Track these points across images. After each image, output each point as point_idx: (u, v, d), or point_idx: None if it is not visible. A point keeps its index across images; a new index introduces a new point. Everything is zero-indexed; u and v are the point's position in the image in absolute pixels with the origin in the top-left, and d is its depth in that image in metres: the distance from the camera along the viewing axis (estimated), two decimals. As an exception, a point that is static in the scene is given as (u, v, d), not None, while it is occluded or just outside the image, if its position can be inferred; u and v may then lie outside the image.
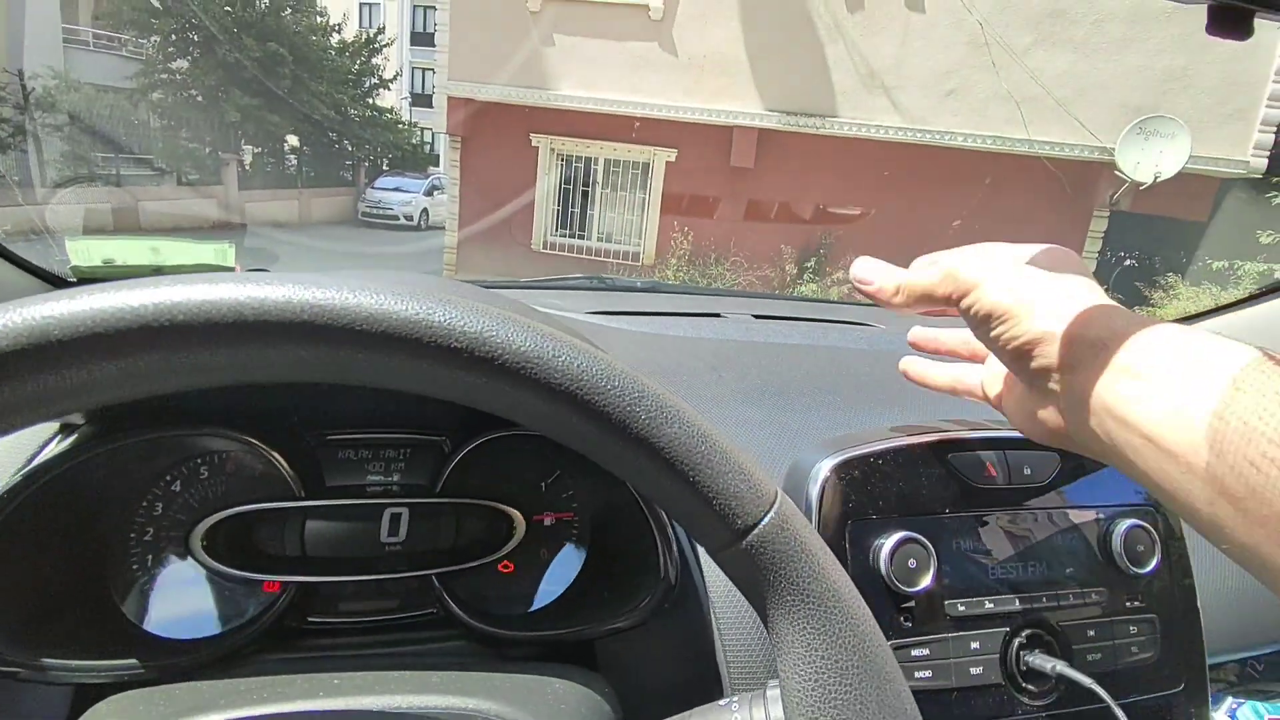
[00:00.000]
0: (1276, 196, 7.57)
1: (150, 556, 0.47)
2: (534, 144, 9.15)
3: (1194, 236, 8.17)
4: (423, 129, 18.58)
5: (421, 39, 20.18)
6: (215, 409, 0.47)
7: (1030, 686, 0.46)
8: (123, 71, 13.79)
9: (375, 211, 14.78)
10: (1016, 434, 0.50)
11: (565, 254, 9.34)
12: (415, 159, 18.51)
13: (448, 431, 0.52)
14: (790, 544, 0.27)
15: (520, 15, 8.42)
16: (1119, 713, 0.42)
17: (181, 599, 0.47)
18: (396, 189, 15.34)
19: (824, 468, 0.45)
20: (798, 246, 8.64)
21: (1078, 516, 0.50)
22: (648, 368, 0.61)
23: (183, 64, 14.21)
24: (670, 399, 0.27)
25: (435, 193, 14.40)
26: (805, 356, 0.78)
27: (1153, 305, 7.47)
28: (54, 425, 0.47)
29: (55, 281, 0.68)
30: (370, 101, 17.35)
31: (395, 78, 18.70)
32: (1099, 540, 0.49)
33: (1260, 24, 0.29)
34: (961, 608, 0.46)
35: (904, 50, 7.84)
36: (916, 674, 0.44)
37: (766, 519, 0.27)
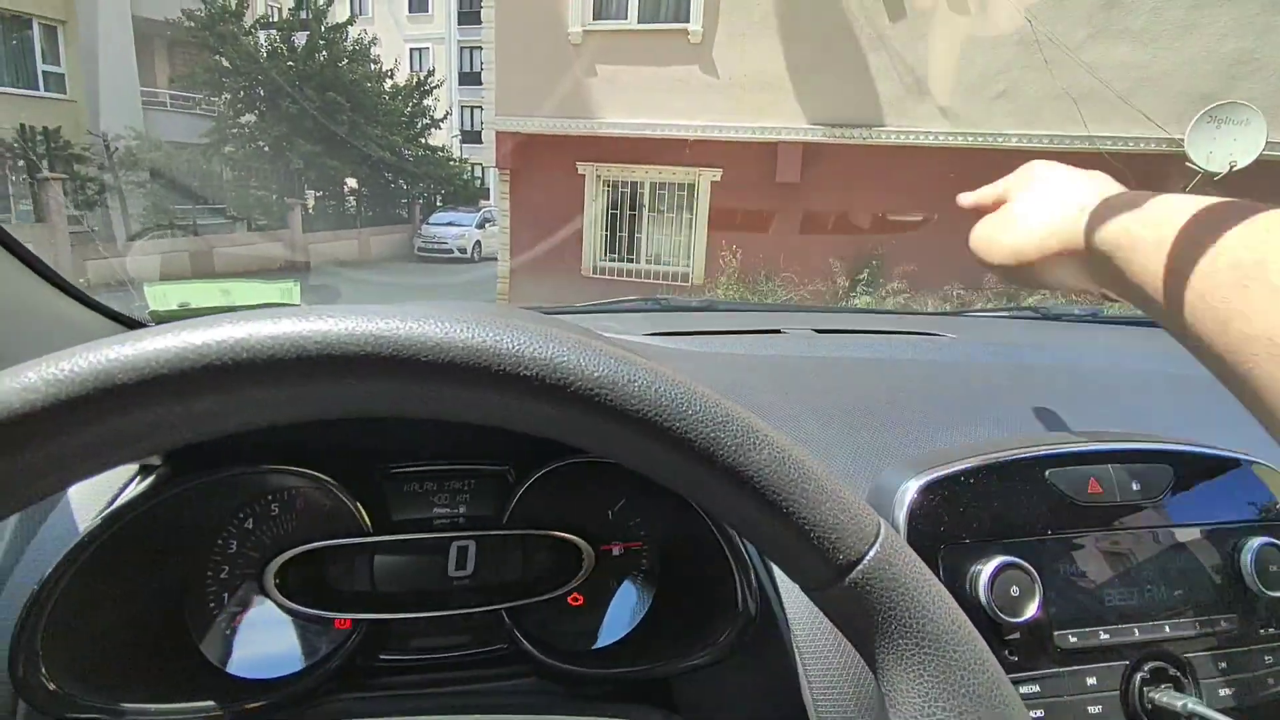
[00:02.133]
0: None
1: (226, 595, 0.47)
2: (580, 172, 9.31)
3: None
4: (473, 164, 19.17)
5: (469, 78, 20.93)
6: (283, 445, 0.47)
7: None
8: (197, 128, 14.77)
9: (431, 246, 15.29)
10: (1122, 446, 0.46)
11: (615, 278, 9.42)
12: (467, 193, 19.10)
13: (512, 460, 0.51)
14: (899, 580, 0.24)
15: (562, 49, 8.63)
16: None
17: (256, 638, 0.47)
18: (450, 223, 15.86)
19: (910, 489, 0.42)
20: (849, 259, 8.49)
21: (1199, 534, 0.45)
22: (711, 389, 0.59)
23: (250, 118, 15.10)
24: (759, 424, 0.25)
25: (487, 225, 14.82)
26: (875, 371, 0.74)
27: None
28: (133, 467, 0.48)
29: (135, 326, 0.71)
30: (423, 141, 18.03)
31: (445, 117, 19.39)
32: (1226, 560, 0.44)
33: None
34: (1073, 639, 0.42)
35: (950, 54, 7.69)
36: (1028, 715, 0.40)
37: (871, 553, 0.24)
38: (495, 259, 10.42)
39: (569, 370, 0.24)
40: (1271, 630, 0.44)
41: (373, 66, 16.95)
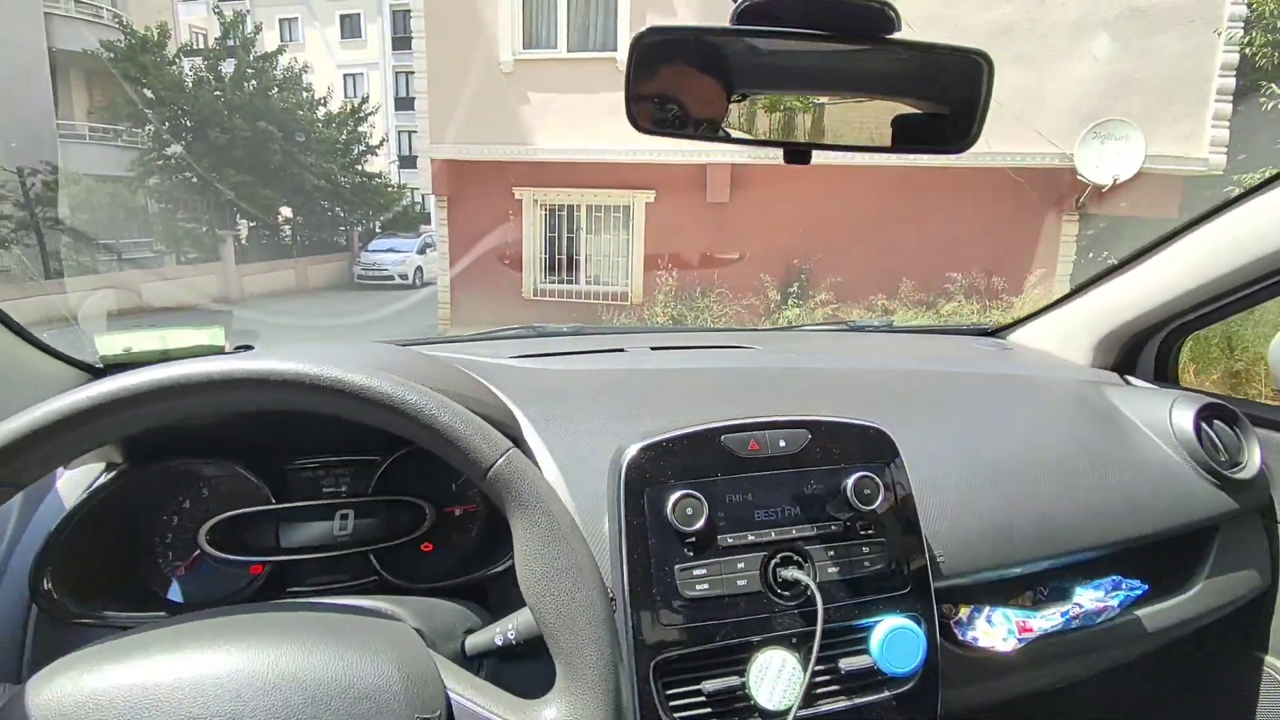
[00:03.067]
0: (1235, 190, 7.77)
1: (171, 552, 0.67)
2: (517, 196, 9.49)
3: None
4: (412, 190, 19.10)
5: (405, 103, 20.85)
6: (214, 445, 0.67)
7: (784, 591, 0.65)
8: (119, 161, 14.34)
9: (370, 273, 15.18)
10: (776, 419, 0.70)
11: (556, 299, 9.58)
12: (407, 220, 19.01)
13: (380, 452, 0.72)
14: (522, 482, 0.46)
15: (494, 76, 8.82)
16: (818, 598, 0.61)
17: (195, 579, 0.68)
18: (390, 249, 15.77)
19: (630, 452, 0.65)
20: (779, 274, 8.87)
21: (821, 473, 0.68)
22: (532, 397, 0.81)
23: (177, 148, 14.77)
24: (422, 390, 0.46)
25: (428, 250, 14.78)
26: (682, 378, 0.98)
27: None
28: (103, 465, 0.67)
29: (86, 368, 0.89)
30: (359, 168, 17.90)
31: (382, 143, 19.30)
32: (836, 488, 0.68)
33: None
34: (730, 540, 0.64)
35: (862, 79, 8.16)
36: (697, 586, 0.62)
37: (500, 461, 0.46)
38: (435, 284, 10.46)
39: (326, 378, 0.45)
40: (868, 531, 0.68)
41: (305, 94, 16.82)
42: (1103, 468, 0.91)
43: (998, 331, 1.33)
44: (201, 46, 15.68)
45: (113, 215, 13.13)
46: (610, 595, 0.51)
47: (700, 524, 0.63)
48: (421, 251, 15.42)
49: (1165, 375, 1.15)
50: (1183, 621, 0.89)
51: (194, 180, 14.63)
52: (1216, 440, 0.95)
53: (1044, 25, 7.86)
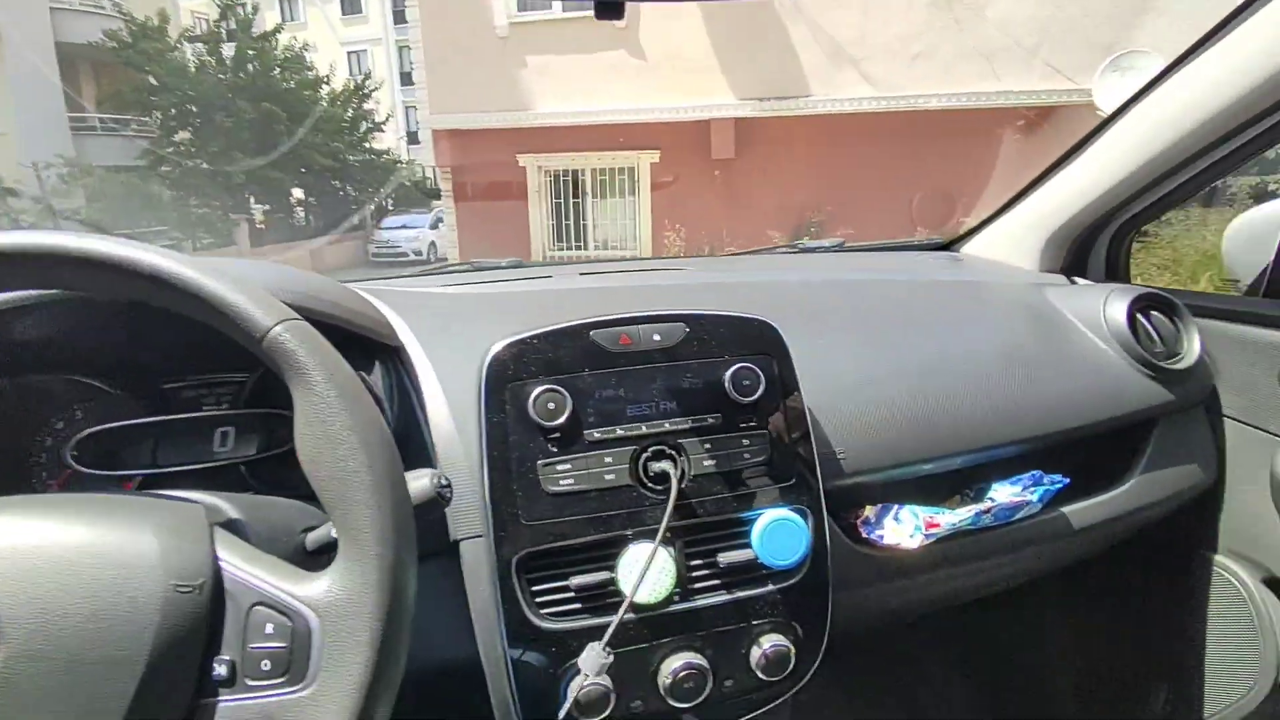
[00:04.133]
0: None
1: (46, 472, 0.67)
2: (521, 164, 9.42)
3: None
4: (422, 166, 19.04)
5: (410, 78, 20.71)
6: (88, 366, 0.67)
7: (657, 485, 0.63)
8: (132, 151, 14.48)
9: (385, 251, 15.22)
10: (650, 313, 0.67)
11: (566, 265, 9.56)
12: (418, 195, 18.98)
13: (257, 369, 0.71)
14: (301, 349, 0.44)
15: (489, 43, 8.70)
16: (673, 488, 0.59)
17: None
18: (403, 226, 15.78)
19: (493, 349, 0.63)
20: (788, 228, 8.73)
21: (698, 366, 0.65)
22: (425, 313, 0.79)
23: (185, 135, 14.85)
24: (192, 260, 0.44)
25: (440, 225, 14.80)
26: (595, 294, 0.96)
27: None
28: None
29: None
30: (367, 146, 17.87)
31: (388, 119, 19.22)
32: (714, 380, 0.65)
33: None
34: (597, 435, 0.62)
35: (866, 20, 7.92)
36: (561, 482, 0.61)
37: (277, 328, 0.44)
38: (447, 259, 10.48)
39: (118, 255, 0.43)
40: (750, 423, 0.66)
41: (308, 73, 16.75)
42: (1031, 366, 0.87)
43: (951, 244, 1.27)
44: (202, 31, 15.60)
45: (127, 205, 13.29)
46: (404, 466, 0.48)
47: (563, 419, 0.61)
48: (434, 226, 15.40)
49: (1117, 275, 1.09)
50: (1115, 518, 0.86)
51: (204, 166, 14.73)
52: (1153, 331, 0.91)
53: (1056, -51, 7.51)
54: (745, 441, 0.65)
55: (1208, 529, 0.96)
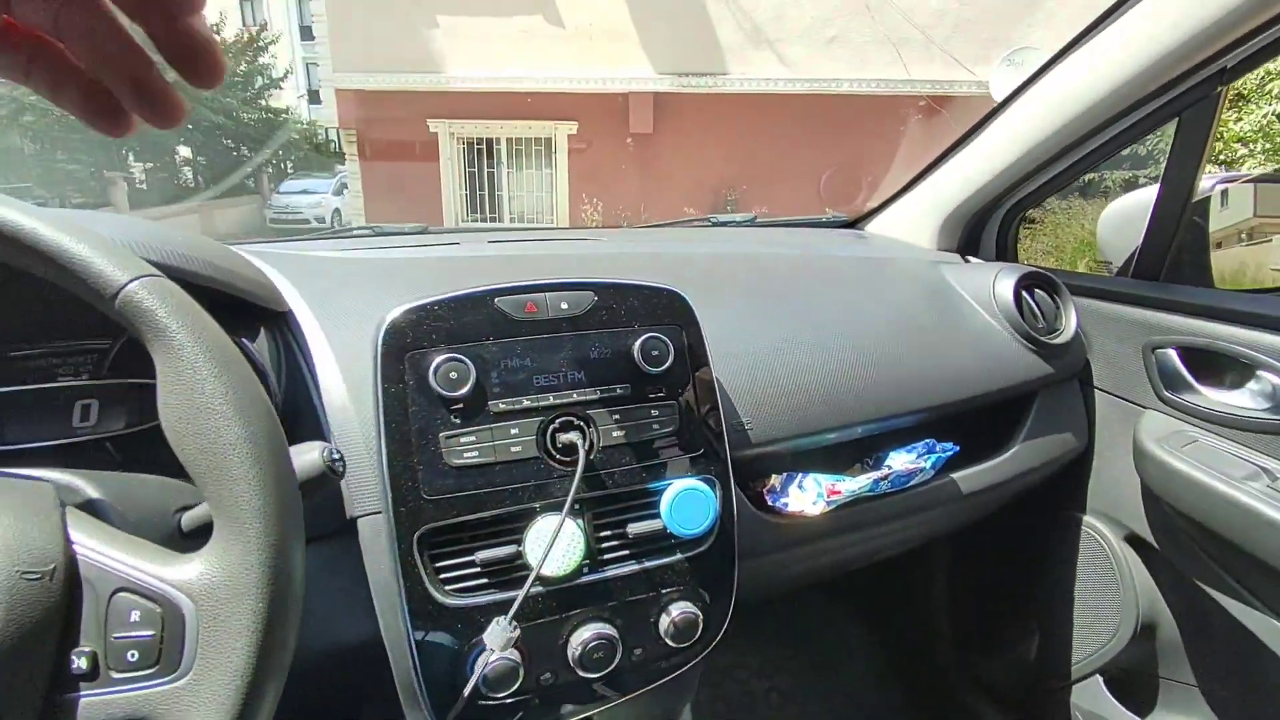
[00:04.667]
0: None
1: None
2: (432, 130, 9.03)
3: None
4: (325, 128, 17.92)
5: (310, 33, 19.39)
6: None
7: (564, 456, 0.62)
8: (-15, 96, 12.88)
9: (284, 216, 14.27)
10: (558, 281, 0.66)
11: (473, 232, 9.30)
12: (321, 158, 17.88)
13: (112, 338, 0.65)
14: (161, 308, 0.40)
15: (398, -1, 8.25)
16: (581, 458, 0.59)
17: None
18: (303, 191, 14.83)
19: (390, 315, 0.59)
20: (706, 204, 8.82)
21: (606, 335, 0.65)
22: (317, 278, 0.74)
23: (49, 81, 13.32)
24: (37, 211, 0.39)
25: (345, 191, 14.03)
26: (499, 262, 0.93)
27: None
28: None
29: None
30: (263, 103, 16.63)
31: (287, 75, 17.94)
32: (623, 350, 0.65)
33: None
34: (503, 406, 0.60)
35: (783, 1, 8.03)
36: (465, 454, 0.59)
37: (132, 285, 0.40)
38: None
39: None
40: (658, 393, 0.66)
41: (194, 20, 15.33)
42: (928, 339, 0.91)
43: (857, 222, 1.32)
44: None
45: (-20, 157, 11.87)
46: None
47: (466, 389, 0.59)
48: (339, 193, 14.56)
49: (1006, 254, 1.16)
50: (999, 483, 0.92)
51: (72, 117, 13.26)
52: (1036, 308, 0.97)
53: (962, -54, 7.84)
54: (654, 412, 0.65)
55: (1078, 492, 1.04)
